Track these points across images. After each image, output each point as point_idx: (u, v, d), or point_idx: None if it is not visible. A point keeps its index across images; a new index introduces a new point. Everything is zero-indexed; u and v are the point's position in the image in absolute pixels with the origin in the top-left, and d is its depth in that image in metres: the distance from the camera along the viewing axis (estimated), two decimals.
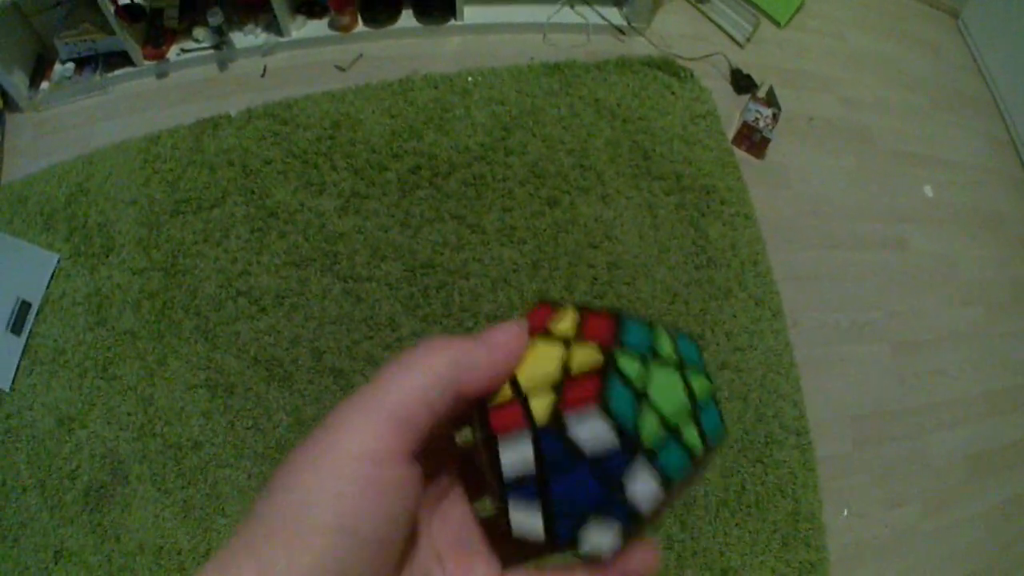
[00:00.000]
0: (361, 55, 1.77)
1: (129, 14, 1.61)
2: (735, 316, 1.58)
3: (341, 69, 1.74)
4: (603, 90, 1.77)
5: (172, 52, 1.74)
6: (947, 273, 1.83)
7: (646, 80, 1.79)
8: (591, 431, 0.23)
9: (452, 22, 1.83)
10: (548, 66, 1.78)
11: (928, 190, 1.91)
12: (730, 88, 1.87)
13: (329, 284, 1.45)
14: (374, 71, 1.75)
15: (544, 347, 0.25)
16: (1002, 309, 1.83)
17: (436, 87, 1.70)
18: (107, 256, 1.47)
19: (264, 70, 1.74)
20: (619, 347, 0.24)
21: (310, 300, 1.43)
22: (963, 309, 1.80)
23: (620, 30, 1.90)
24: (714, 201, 1.66)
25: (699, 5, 2.00)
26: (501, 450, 0.24)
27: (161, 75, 1.74)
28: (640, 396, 0.23)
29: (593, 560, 0.24)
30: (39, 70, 1.71)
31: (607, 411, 0.23)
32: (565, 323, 0.26)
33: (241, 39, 1.75)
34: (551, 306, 0.27)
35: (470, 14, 1.83)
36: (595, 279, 1.53)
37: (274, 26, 1.75)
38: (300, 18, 1.77)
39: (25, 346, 1.38)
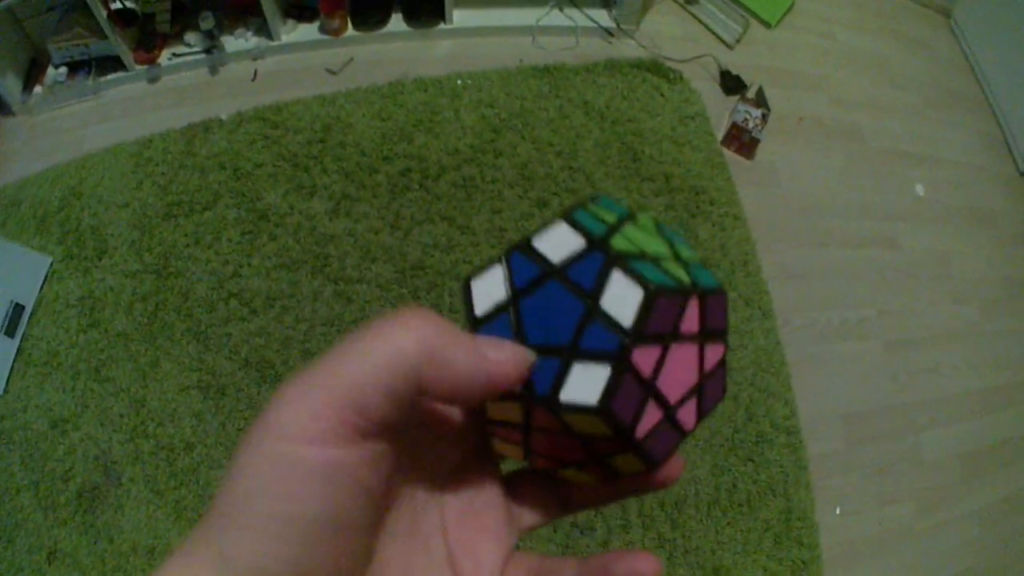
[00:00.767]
0: (352, 59, 1.80)
1: (121, 19, 1.64)
2: None
3: (332, 72, 1.77)
4: (592, 92, 1.80)
5: (164, 56, 1.76)
6: (939, 271, 1.86)
7: (635, 82, 1.82)
8: (555, 238, 0.22)
9: (441, 26, 1.86)
10: (537, 68, 1.81)
11: (919, 189, 1.94)
12: (719, 89, 1.89)
13: (320, 286, 1.48)
14: (364, 75, 1.78)
15: None
16: (995, 307, 1.86)
17: (426, 90, 1.73)
18: (100, 259, 1.50)
19: (255, 74, 1.77)
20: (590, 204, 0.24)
21: (301, 302, 1.46)
22: (955, 307, 1.83)
23: (609, 32, 1.93)
24: (703, 202, 1.69)
25: (688, 7, 2.02)
26: (473, 286, 0.22)
27: (153, 79, 1.77)
28: (612, 228, 0.22)
29: (576, 410, 0.21)
30: (32, 74, 1.74)
31: (572, 223, 0.22)
32: None
33: (232, 43, 1.78)
34: None
35: (459, 17, 1.86)
36: None
37: (264, 30, 1.78)
38: (290, 22, 1.80)
39: (18, 348, 1.40)
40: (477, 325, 0.23)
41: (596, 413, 0.20)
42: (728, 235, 1.67)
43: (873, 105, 2.04)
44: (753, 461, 1.49)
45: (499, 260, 0.23)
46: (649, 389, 0.22)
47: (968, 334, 1.80)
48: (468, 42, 1.89)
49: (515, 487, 0.28)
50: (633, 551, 0.23)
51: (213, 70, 1.78)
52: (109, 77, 1.75)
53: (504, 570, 0.26)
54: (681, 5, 2.04)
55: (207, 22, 1.71)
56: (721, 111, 1.86)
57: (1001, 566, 1.58)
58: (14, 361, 1.39)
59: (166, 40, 1.78)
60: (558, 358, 0.21)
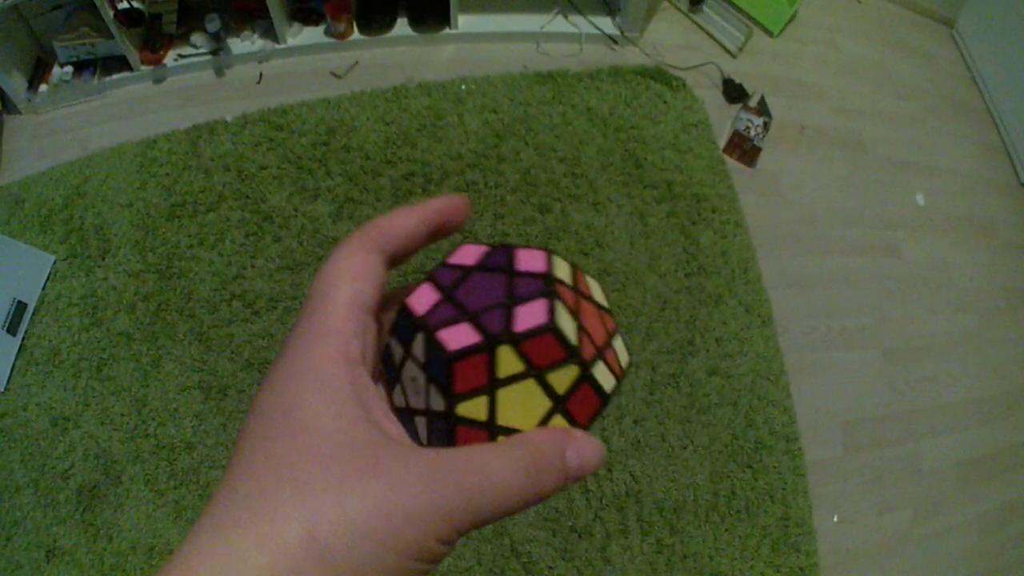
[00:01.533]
0: (357, 62, 1.82)
1: (128, 19, 1.65)
2: (725, 323, 1.61)
3: (337, 76, 1.79)
4: (595, 99, 1.81)
5: (169, 57, 1.77)
6: (939, 280, 1.87)
7: (638, 89, 1.83)
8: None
9: (447, 30, 1.87)
10: (541, 75, 1.82)
11: (920, 198, 1.95)
12: (722, 97, 1.91)
13: None
14: (369, 78, 1.79)
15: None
16: (995, 316, 1.87)
17: (430, 95, 1.74)
18: (103, 258, 1.51)
19: (260, 76, 1.78)
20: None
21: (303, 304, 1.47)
22: (955, 316, 1.84)
23: (613, 39, 1.95)
24: (705, 209, 1.70)
25: (692, 15, 2.04)
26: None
27: (158, 80, 1.79)
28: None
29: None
30: (38, 73, 1.75)
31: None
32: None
33: (238, 45, 1.79)
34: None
35: (464, 23, 1.88)
36: None
37: (270, 33, 1.79)
38: (296, 25, 1.82)
39: (21, 346, 1.41)
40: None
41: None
42: (729, 242, 1.68)
43: (875, 114, 2.06)
44: (752, 468, 1.50)
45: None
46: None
47: (967, 343, 1.81)
48: (472, 47, 1.90)
49: None
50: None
51: (219, 72, 1.79)
52: (114, 77, 1.76)
53: None
54: (684, 13, 2.05)
55: (213, 24, 1.72)
56: (723, 119, 1.88)
57: (1000, 573, 1.59)
58: (16, 359, 1.40)
59: (172, 41, 1.79)
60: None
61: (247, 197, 1.57)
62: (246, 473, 0.20)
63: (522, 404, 0.25)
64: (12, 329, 1.41)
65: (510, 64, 1.87)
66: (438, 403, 0.25)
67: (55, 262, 1.50)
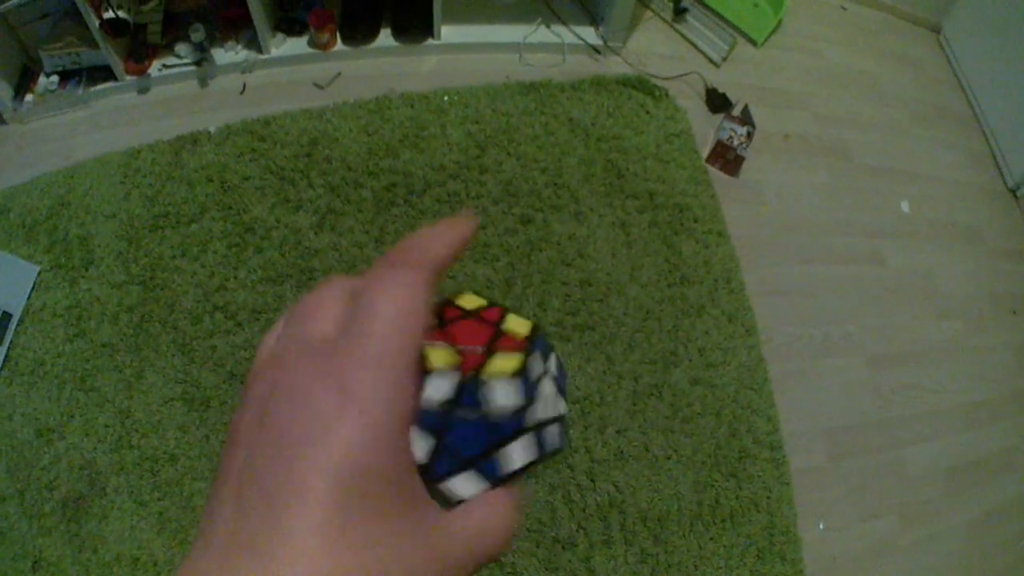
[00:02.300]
0: (339, 73, 1.86)
1: (113, 28, 1.68)
2: (708, 333, 1.66)
3: (319, 87, 1.83)
4: (578, 109, 1.86)
5: (154, 67, 1.81)
6: (924, 287, 1.91)
7: (621, 99, 1.88)
8: (504, 393, 0.26)
9: (430, 41, 1.91)
10: (524, 85, 1.87)
11: (905, 205, 2.00)
12: (705, 107, 1.96)
13: None
14: (352, 89, 1.83)
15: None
16: (980, 322, 1.92)
17: (412, 106, 1.79)
18: (87, 269, 1.55)
19: (244, 87, 1.83)
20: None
21: None
22: (940, 322, 1.88)
23: (596, 49, 2.00)
24: (687, 219, 1.75)
25: (675, 25, 2.09)
26: (432, 377, 0.26)
27: (143, 90, 1.83)
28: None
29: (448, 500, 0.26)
30: (24, 82, 1.78)
31: (524, 378, 0.26)
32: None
33: (222, 55, 1.84)
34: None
35: (447, 33, 1.92)
36: (568, 296, 1.61)
37: (254, 43, 1.83)
38: (280, 36, 1.86)
39: (5, 356, 1.45)
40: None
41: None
42: (712, 252, 1.73)
43: (859, 122, 2.10)
44: (736, 476, 1.54)
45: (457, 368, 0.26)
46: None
47: (952, 349, 1.86)
48: (455, 58, 1.95)
49: None
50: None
51: (203, 82, 1.83)
52: (99, 87, 1.79)
53: None
54: (668, 23, 2.10)
55: (198, 34, 1.76)
56: (706, 129, 1.93)
57: None
58: (1, 369, 1.44)
59: (156, 51, 1.83)
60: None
61: (230, 208, 1.61)
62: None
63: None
64: None
65: (493, 75, 1.91)
66: None
67: (39, 272, 1.53)
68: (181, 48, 1.82)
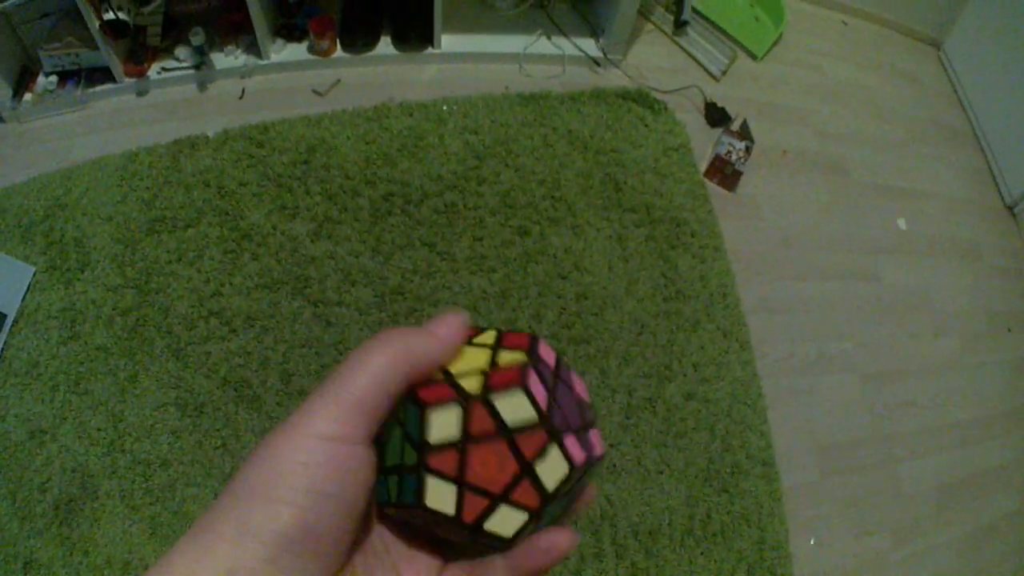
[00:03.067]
0: (339, 80, 1.89)
1: (113, 30, 1.71)
2: (703, 347, 1.69)
3: (318, 94, 1.87)
4: (577, 121, 1.89)
5: (153, 70, 1.84)
6: (920, 304, 1.94)
7: (620, 112, 1.92)
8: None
9: (430, 50, 1.95)
10: (523, 96, 1.91)
11: (902, 222, 2.03)
12: (704, 121, 1.99)
13: (300, 308, 1.56)
14: (351, 97, 1.87)
15: (471, 350, 0.30)
16: (976, 340, 1.95)
17: (411, 115, 1.82)
18: (82, 271, 1.57)
19: (243, 92, 1.86)
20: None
21: (281, 323, 1.55)
22: (936, 340, 1.92)
23: (596, 62, 2.03)
24: (684, 233, 1.78)
25: (676, 38, 2.13)
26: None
27: (141, 92, 1.86)
28: (552, 392, 0.28)
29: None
30: (22, 82, 1.80)
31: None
32: (488, 337, 0.30)
33: (221, 60, 1.87)
34: (473, 328, 0.31)
35: (448, 42, 1.96)
36: (563, 309, 1.65)
37: (254, 49, 1.87)
38: (280, 41, 1.89)
39: (0, 357, 1.47)
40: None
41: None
42: (708, 267, 1.77)
43: (858, 138, 2.14)
44: (728, 492, 1.57)
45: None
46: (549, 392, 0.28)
47: (948, 367, 1.89)
48: (455, 67, 1.98)
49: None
50: (550, 530, 0.29)
51: (201, 86, 1.87)
52: (98, 88, 1.82)
53: None
54: (668, 36, 2.14)
55: (197, 38, 1.80)
56: (705, 143, 1.96)
57: None
58: None
59: (156, 54, 1.86)
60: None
61: (226, 214, 1.65)
62: (219, 499, 0.25)
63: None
64: None
65: (492, 85, 1.95)
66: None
67: (35, 273, 1.56)
68: (181, 51, 1.85)
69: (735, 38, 2.16)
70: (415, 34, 1.92)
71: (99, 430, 1.42)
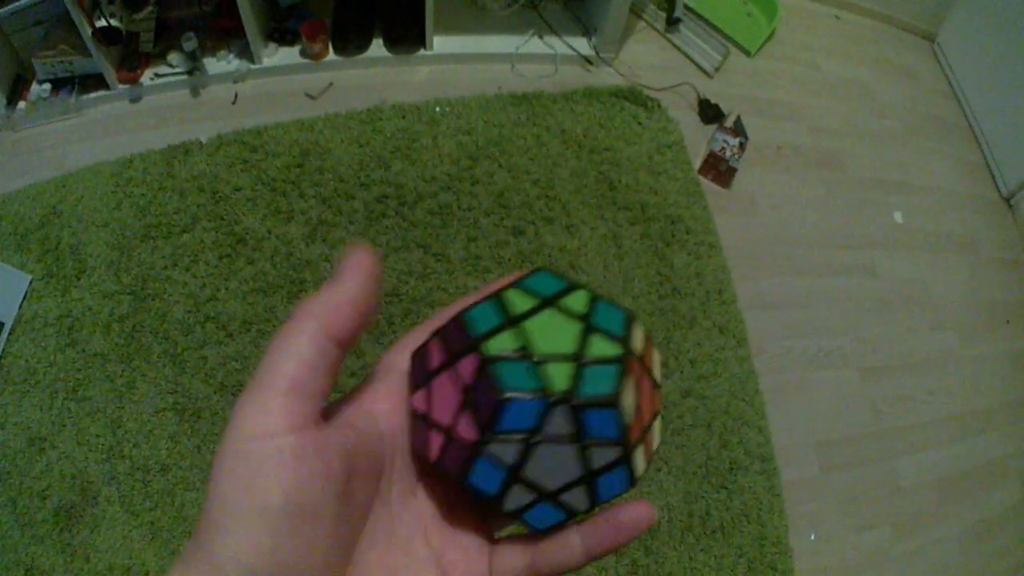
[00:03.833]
0: (331, 84, 1.91)
1: (105, 37, 1.72)
2: (699, 344, 1.71)
3: (311, 97, 1.88)
4: (570, 120, 1.91)
5: (146, 76, 1.85)
6: (917, 298, 1.96)
7: (613, 110, 1.94)
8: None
9: (422, 52, 1.96)
10: (516, 96, 1.93)
11: (898, 216, 2.05)
12: (697, 118, 2.01)
13: None
14: (344, 100, 1.88)
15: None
16: (974, 333, 1.97)
17: (404, 117, 1.84)
18: (78, 278, 1.58)
19: (236, 97, 1.88)
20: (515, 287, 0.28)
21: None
22: (934, 334, 1.93)
23: (588, 60, 2.05)
24: (679, 231, 1.80)
25: (668, 35, 2.14)
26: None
27: (135, 99, 1.87)
28: (519, 317, 0.27)
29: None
30: (16, 90, 1.81)
31: (499, 301, 0.27)
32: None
33: (214, 65, 1.88)
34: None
35: (440, 44, 1.97)
36: None
37: (246, 53, 1.88)
38: (272, 45, 1.91)
39: None
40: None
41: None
42: (703, 264, 1.79)
43: (853, 133, 2.16)
44: (727, 488, 1.58)
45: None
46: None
47: (946, 360, 1.91)
48: (448, 68, 2.00)
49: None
50: (630, 502, 0.28)
51: (194, 92, 1.89)
52: (92, 95, 1.83)
53: (494, 559, 0.29)
54: (661, 33, 2.16)
55: (190, 43, 1.80)
56: (699, 140, 1.98)
57: None
58: None
59: (149, 60, 1.87)
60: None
61: (221, 219, 1.67)
62: (195, 531, 0.24)
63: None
64: None
65: (485, 85, 1.96)
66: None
67: (31, 281, 1.57)
68: (173, 57, 1.87)
69: (728, 34, 2.17)
70: (407, 36, 1.93)
71: (98, 436, 1.44)
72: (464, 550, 0.29)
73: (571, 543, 0.28)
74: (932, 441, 1.79)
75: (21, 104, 1.80)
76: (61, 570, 1.33)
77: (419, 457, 0.29)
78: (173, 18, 1.92)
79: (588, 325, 0.27)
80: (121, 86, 1.85)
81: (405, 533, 0.29)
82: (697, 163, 1.92)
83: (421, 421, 0.28)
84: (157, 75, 1.87)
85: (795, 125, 2.12)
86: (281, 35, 1.92)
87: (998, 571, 1.70)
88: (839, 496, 1.67)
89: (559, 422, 0.25)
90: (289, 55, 1.93)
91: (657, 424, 0.29)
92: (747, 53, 2.20)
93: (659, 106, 1.97)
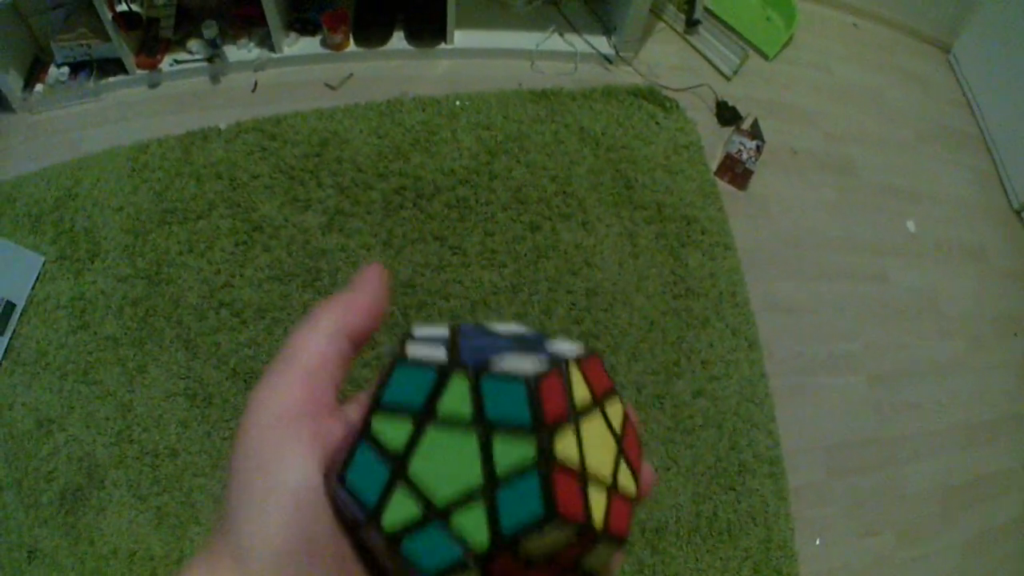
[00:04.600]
0: (351, 74, 1.88)
1: (126, 21, 1.70)
2: (711, 345, 1.67)
3: (331, 87, 1.84)
4: (588, 118, 1.88)
5: (165, 62, 1.82)
6: (927, 306, 1.93)
7: (631, 109, 1.90)
8: (545, 534, 0.20)
9: (442, 46, 1.93)
10: (535, 93, 1.89)
11: (911, 225, 2.02)
12: (715, 120, 1.98)
13: (310, 300, 1.54)
14: (363, 91, 1.85)
15: (599, 428, 0.23)
16: (983, 342, 1.94)
17: (424, 109, 1.80)
18: (92, 261, 1.55)
19: (255, 85, 1.84)
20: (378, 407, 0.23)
21: (291, 315, 1.52)
22: (943, 342, 1.90)
23: (608, 59, 2.02)
24: (694, 231, 1.76)
25: (687, 37, 2.11)
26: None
27: (153, 84, 1.84)
28: (400, 457, 0.22)
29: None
30: (34, 72, 1.79)
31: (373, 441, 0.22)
32: (616, 417, 0.25)
33: (234, 53, 1.85)
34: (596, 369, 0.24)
35: (460, 38, 1.94)
36: (573, 305, 1.62)
37: (267, 42, 1.85)
38: (293, 35, 1.87)
39: (8, 346, 1.45)
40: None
41: (547, 520, 0.20)
42: (718, 265, 1.75)
43: (867, 140, 2.13)
44: (735, 490, 1.55)
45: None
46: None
47: (954, 369, 1.88)
48: (468, 63, 1.96)
49: None
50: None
51: (214, 79, 1.85)
52: (110, 80, 1.80)
53: None
54: (680, 35, 2.13)
55: (211, 30, 1.77)
56: (716, 141, 1.94)
57: None
58: (3, 359, 1.44)
59: (169, 46, 1.84)
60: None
61: (238, 206, 1.62)
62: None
63: (599, 445, 0.22)
64: (0, 329, 1.46)
65: (505, 81, 1.93)
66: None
67: (44, 263, 1.54)
68: (193, 44, 1.83)
69: (747, 38, 2.14)
70: (428, 30, 1.90)
71: (107, 420, 1.41)
72: None
73: None
74: (937, 450, 1.76)
75: (38, 87, 1.78)
76: (65, 553, 1.30)
77: None
78: (194, 5, 1.89)
79: (483, 428, 0.21)
80: (140, 71, 1.82)
81: None
82: (714, 164, 1.89)
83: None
84: (176, 61, 1.84)
85: (810, 130, 2.08)
86: (302, 25, 1.89)
87: None
88: (845, 501, 1.64)
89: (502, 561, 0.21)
90: (310, 45, 1.89)
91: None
92: (765, 57, 2.17)
93: (677, 107, 1.94)
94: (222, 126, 1.74)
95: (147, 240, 1.58)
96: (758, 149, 1.86)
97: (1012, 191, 2.18)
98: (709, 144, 1.93)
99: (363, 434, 0.22)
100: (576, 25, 2.03)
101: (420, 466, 0.21)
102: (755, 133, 1.90)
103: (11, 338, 1.47)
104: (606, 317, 1.63)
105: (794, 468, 1.62)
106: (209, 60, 1.83)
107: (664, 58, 2.10)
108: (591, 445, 0.22)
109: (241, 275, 1.55)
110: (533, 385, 0.20)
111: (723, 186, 1.87)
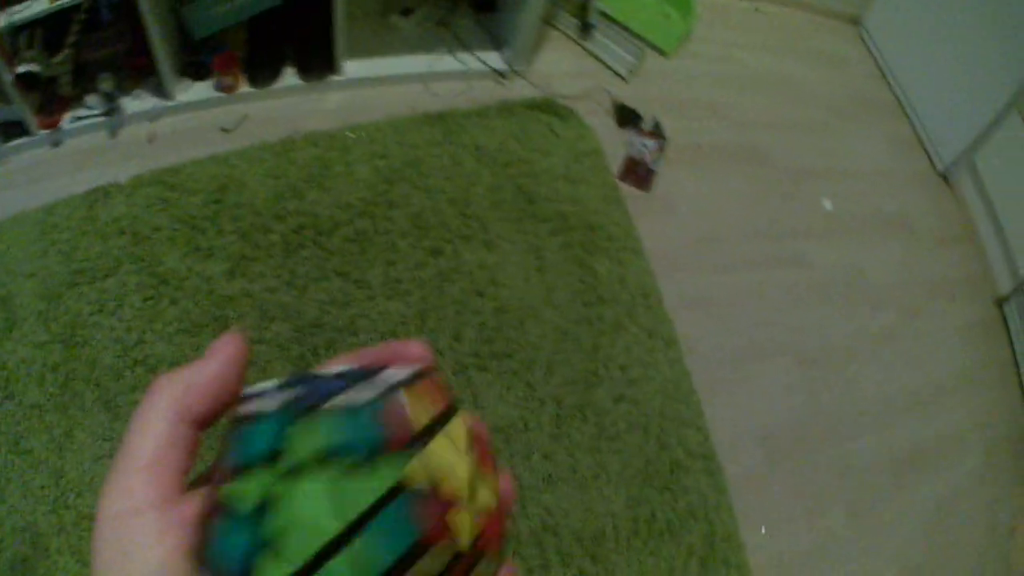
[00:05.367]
0: (246, 116, 2.03)
1: (25, 83, 1.79)
2: (628, 349, 1.84)
3: (226, 131, 1.99)
4: (484, 136, 2.05)
5: (65, 120, 1.94)
6: (854, 282, 2.09)
7: (527, 123, 2.08)
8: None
9: (334, 77, 2.08)
10: (430, 116, 2.05)
11: (828, 204, 2.19)
12: (614, 123, 2.14)
13: None
14: (259, 131, 1.99)
15: (454, 454, 0.24)
16: (916, 310, 2.11)
17: (317, 145, 1.95)
18: (11, 330, 1.66)
19: (152, 135, 1.99)
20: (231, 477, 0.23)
21: None
22: (874, 315, 2.06)
23: (501, 74, 2.18)
24: (600, 238, 1.94)
25: (582, 42, 2.27)
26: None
27: (55, 143, 1.96)
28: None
29: None
30: None
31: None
32: (460, 436, 0.25)
33: (131, 104, 1.99)
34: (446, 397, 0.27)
35: (352, 68, 2.08)
36: (483, 325, 1.79)
37: (161, 90, 1.99)
38: (187, 81, 2.02)
39: None
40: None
41: (414, 552, 0.21)
42: (627, 269, 1.93)
43: (778, 125, 2.29)
44: (670, 489, 1.71)
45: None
46: None
47: (888, 340, 2.04)
48: (361, 93, 2.11)
49: None
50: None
51: (113, 133, 1.98)
52: (13, 143, 1.91)
53: None
54: (575, 41, 2.29)
55: (107, 83, 1.90)
56: (617, 145, 2.11)
57: (943, 563, 1.79)
58: None
59: (67, 103, 1.95)
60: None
61: (143, 260, 1.76)
62: None
63: (450, 463, 0.24)
64: None
65: (398, 107, 2.07)
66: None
67: None
68: (91, 99, 1.95)
69: (644, 37, 2.29)
70: (318, 63, 2.05)
71: (42, 488, 1.51)
72: None
73: None
74: (880, 422, 1.92)
75: None
76: None
77: None
78: (89, 59, 2.03)
79: (330, 471, 0.22)
80: (42, 131, 1.93)
81: None
82: (616, 169, 2.06)
83: None
84: (77, 118, 1.96)
85: (716, 123, 2.24)
86: (196, 69, 2.03)
87: (959, 542, 1.84)
88: (788, 485, 1.79)
89: None
90: (204, 89, 2.04)
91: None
92: (663, 54, 2.32)
93: (574, 115, 2.11)
94: (123, 180, 1.87)
95: (60, 304, 1.70)
96: (660, 148, 2.04)
97: (936, 154, 2.35)
98: (611, 149, 2.09)
99: (213, 508, 0.23)
100: (467, 43, 2.19)
101: (277, 526, 0.21)
102: (656, 132, 2.07)
103: None
104: (517, 334, 1.80)
105: (731, 459, 1.77)
106: (107, 114, 1.96)
107: (559, 67, 2.24)
108: (440, 466, 0.23)
109: (152, 330, 1.70)
110: (370, 419, 0.22)
111: (627, 189, 2.05)
